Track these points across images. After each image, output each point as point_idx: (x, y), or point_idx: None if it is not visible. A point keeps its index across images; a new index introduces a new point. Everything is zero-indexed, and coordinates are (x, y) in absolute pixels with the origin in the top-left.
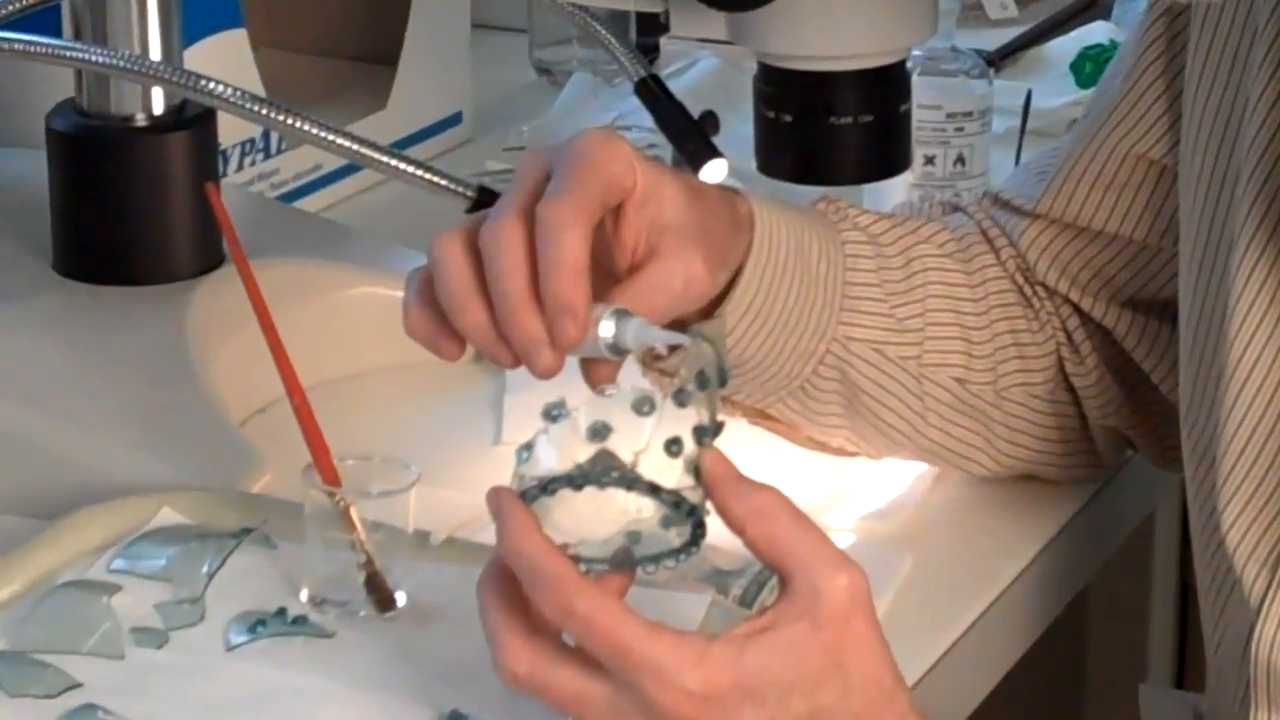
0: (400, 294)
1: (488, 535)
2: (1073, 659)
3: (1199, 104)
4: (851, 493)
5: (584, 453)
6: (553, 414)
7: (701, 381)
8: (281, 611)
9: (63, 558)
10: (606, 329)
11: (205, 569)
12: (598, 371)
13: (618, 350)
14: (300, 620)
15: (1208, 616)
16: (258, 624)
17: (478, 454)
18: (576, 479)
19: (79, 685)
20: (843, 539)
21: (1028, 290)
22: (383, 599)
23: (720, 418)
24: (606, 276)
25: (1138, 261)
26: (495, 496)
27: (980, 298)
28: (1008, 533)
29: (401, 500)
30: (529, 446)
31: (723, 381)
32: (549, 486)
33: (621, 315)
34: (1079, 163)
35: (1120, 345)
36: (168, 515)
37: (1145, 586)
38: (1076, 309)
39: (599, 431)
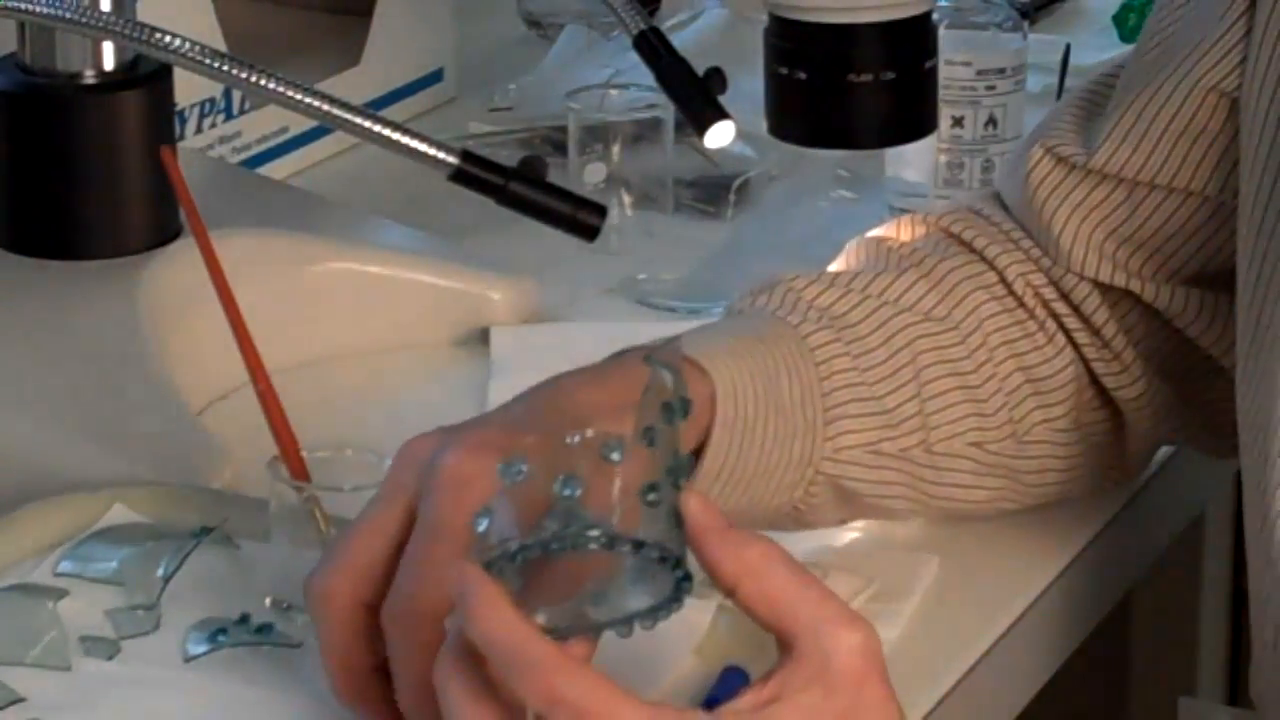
0: (376, 269)
1: None
2: (1114, 673)
3: (1268, 40)
4: None
5: (550, 513)
6: (512, 472)
7: (667, 415)
8: (244, 619)
9: (4, 559)
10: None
11: (161, 572)
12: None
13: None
14: (265, 628)
15: (1264, 626)
16: (218, 632)
17: None
18: (552, 545)
19: (22, 700)
20: (861, 542)
21: (1030, 302)
22: None
23: (685, 452)
24: None
25: (1200, 217)
26: (459, 574)
27: (977, 346)
28: (1042, 534)
29: None
30: (487, 511)
31: (685, 411)
32: (517, 556)
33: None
34: (1148, 105)
35: (1164, 333)
36: (120, 512)
37: (1194, 593)
38: (1113, 309)
39: (566, 484)
